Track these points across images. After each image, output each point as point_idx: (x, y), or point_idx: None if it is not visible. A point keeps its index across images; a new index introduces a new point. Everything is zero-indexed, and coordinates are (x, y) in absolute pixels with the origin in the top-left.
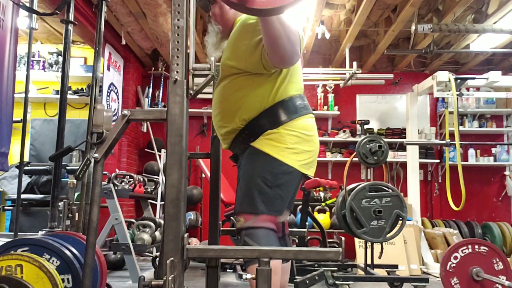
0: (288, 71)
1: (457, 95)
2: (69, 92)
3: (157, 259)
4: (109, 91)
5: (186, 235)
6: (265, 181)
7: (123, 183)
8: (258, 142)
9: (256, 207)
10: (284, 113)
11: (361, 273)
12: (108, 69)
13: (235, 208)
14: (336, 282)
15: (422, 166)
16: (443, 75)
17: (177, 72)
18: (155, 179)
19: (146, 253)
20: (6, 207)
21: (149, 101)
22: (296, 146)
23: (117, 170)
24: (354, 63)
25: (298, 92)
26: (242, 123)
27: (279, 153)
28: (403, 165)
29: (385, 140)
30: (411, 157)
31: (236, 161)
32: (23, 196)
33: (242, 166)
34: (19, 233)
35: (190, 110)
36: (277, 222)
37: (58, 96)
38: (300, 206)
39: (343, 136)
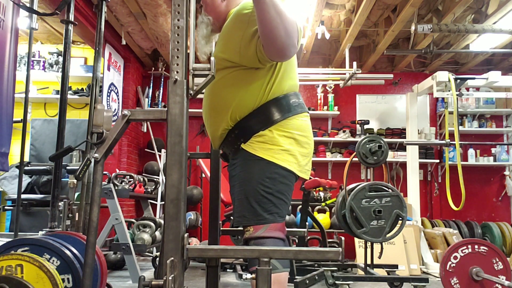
0: (283, 65)
1: (457, 95)
2: (69, 92)
3: (157, 259)
4: (109, 91)
5: (186, 235)
6: (264, 188)
7: (123, 183)
8: (250, 146)
9: (262, 217)
10: (277, 111)
11: (361, 273)
12: (108, 69)
13: (238, 221)
14: (336, 282)
15: (422, 166)
16: (443, 75)
17: (177, 72)
18: (155, 179)
19: (146, 253)
20: (6, 207)
21: (149, 101)
22: (290, 147)
23: (117, 170)
24: (354, 63)
25: (293, 89)
26: (232, 122)
27: (274, 156)
28: (403, 165)
29: (385, 140)
30: (411, 157)
31: (226, 160)
32: (23, 196)
33: (238, 174)
34: (19, 233)
35: (190, 110)
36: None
37: (58, 96)
38: (300, 206)
39: (343, 136)
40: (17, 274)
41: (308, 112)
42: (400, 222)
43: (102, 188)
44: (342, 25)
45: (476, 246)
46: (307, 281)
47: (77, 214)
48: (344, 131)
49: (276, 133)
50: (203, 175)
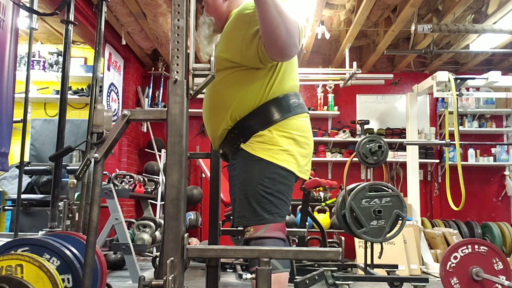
0: (283, 66)
1: (457, 95)
2: (69, 92)
3: (157, 259)
4: (109, 91)
5: (186, 235)
6: (264, 188)
7: (123, 183)
8: (250, 146)
9: (263, 217)
10: (277, 111)
11: (361, 273)
12: (108, 69)
13: (238, 221)
14: (336, 282)
15: (422, 166)
16: (443, 75)
17: (177, 72)
18: (155, 179)
19: (146, 253)
20: (6, 207)
21: (149, 101)
22: (289, 147)
23: (117, 170)
24: (354, 63)
25: (293, 90)
26: (232, 122)
27: (273, 156)
28: (403, 165)
29: (385, 140)
30: (411, 157)
31: (226, 160)
32: (23, 196)
33: (238, 174)
34: (19, 233)
35: (190, 110)
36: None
37: (58, 96)
38: (300, 206)
39: (343, 136)
40: (17, 274)
41: (308, 113)
42: (400, 222)
43: (102, 188)
44: (342, 25)
45: (476, 246)
46: (307, 281)
47: (77, 214)
48: (344, 131)
49: (275, 133)
50: (203, 175)
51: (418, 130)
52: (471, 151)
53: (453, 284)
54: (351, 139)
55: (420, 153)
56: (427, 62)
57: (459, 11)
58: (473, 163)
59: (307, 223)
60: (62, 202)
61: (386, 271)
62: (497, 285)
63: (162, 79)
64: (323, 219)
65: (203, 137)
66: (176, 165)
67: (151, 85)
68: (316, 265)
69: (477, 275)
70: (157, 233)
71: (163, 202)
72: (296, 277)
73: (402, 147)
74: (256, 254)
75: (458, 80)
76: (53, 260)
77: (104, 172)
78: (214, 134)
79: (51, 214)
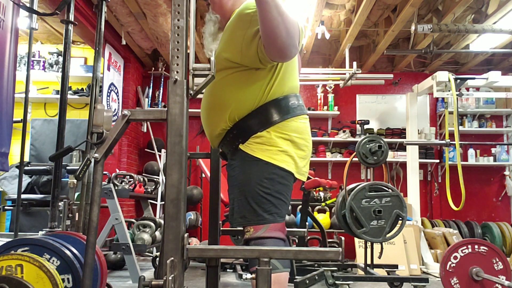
0: (284, 67)
1: (457, 95)
2: (69, 92)
3: (157, 259)
4: (109, 91)
5: (186, 235)
6: (263, 189)
7: (123, 183)
8: (248, 147)
9: (262, 217)
10: (276, 113)
11: (361, 273)
12: (108, 69)
13: (238, 222)
14: (336, 282)
15: (422, 166)
16: (443, 75)
17: (177, 72)
18: (155, 179)
19: (146, 253)
20: (6, 207)
21: (149, 101)
22: (288, 149)
23: (117, 170)
24: (354, 63)
25: (293, 91)
26: (231, 123)
27: (271, 156)
28: (403, 165)
29: (385, 140)
30: (411, 157)
31: (225, 159)
32: (23, 196)
33: (236, 175)
34: (19, 233)
35: (190, 110)
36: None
37: (58, 96)
38: (300, 206)
39: (343, 136)
40: (17, 274)
41: (307, 114)
42: (400, 222)
43: (102, 188)
44: (342, 25)
45: (476, 246)
46: (307, 281)
47: (77, 214)
48: (344, 131)
49: (274, 134)
50: (203, 175)
51: (418, 130)
52: (471, 151)
53: (453, 284)
54: (351, 139)
55: (420, 153)
56: (427, 62)
57: (459, 11)
58: (473, 163)
59: (307, 223)
60: (62, 202)
61: (386, 271)
62: (497, 285)
63: (162, 79)
64: (323, 219)
65: (203, 137)
66: (176, 165)
67: (151, 85)
68: (316, 265)
69: (477, 275)
70: (157, 233)
71: (163, 202)
72: (296, 277)
73: (402, 147)
74: (256, 254)
75: (458, 80)
76: (53, 260)
77: (104, 172)
78: (212, 133)
79: (51, 214)
